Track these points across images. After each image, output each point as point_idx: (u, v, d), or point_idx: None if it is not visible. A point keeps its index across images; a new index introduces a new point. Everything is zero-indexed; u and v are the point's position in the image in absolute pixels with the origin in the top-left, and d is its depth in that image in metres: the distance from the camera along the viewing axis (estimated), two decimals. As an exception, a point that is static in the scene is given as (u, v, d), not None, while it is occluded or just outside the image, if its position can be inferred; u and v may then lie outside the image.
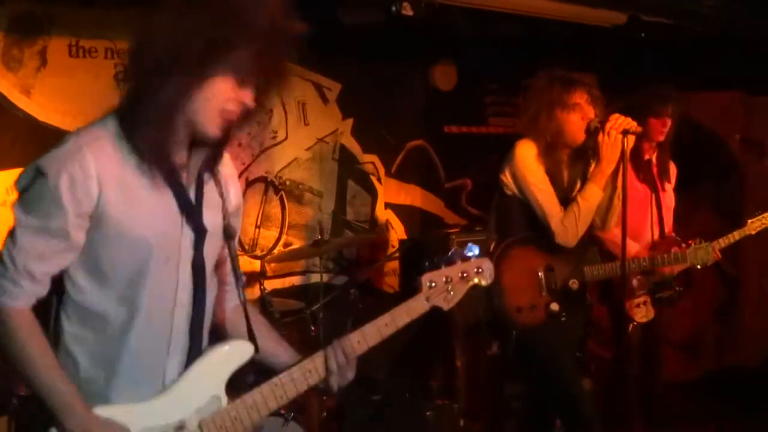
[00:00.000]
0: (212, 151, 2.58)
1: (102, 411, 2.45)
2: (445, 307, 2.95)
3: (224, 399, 2.60)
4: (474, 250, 2.95)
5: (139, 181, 2.42)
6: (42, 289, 2.44)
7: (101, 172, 2.37)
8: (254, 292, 6.34)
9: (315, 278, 6.57)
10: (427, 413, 5.84)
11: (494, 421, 6.38)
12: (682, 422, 6.37)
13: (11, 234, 2.42)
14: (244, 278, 2.86)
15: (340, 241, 6.62)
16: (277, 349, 2.84)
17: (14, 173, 5.74)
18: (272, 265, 6.71)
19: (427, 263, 2.91)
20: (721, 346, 7.74)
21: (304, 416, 5.63)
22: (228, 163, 2.76)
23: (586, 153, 4.66)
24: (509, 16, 5.82)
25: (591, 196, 4.50)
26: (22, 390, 4.44)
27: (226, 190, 2.68)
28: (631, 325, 5.38)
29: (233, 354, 2.66)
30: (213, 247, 2.63)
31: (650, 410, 5.68)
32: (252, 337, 2.70)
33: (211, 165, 2.61)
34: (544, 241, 4.61)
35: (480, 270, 2.94)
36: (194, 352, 2.61)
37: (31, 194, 2.40)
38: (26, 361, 2.41)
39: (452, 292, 2.93)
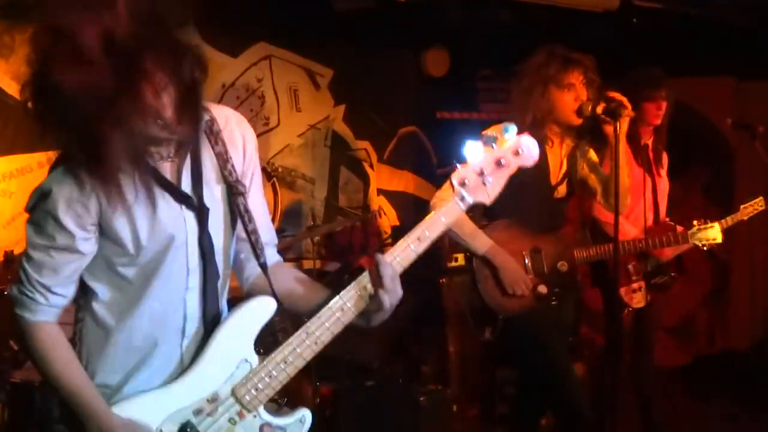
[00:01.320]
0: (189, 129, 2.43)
1: (121, 410, 2.47)
2: (487, 201, 2.59)
3: (255, 360, 2.56)
4: (510, 130, 2.56)
5: (132, 188, 2.39)
6: (62, 300, 2.47)
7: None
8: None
9: (308, 264, 6.57)
10: (420, 399, 5.85)
11: (487, 406, 6.40)
12: (673, 407, 6.40)
13: (26, 250, 2.45)
14: (272, 235, 2.79)
15: (331, 226, 6.62)
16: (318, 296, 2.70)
17: (7, 160, 5.73)
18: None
19: (454, 162, 2.55)
20: (712, 331, 7.77)
21: (298, 403, 5.64)
22: (224, 117, 2.64)
23: (577, 135, 4.65)
24: (501, 2, 5.82)
25: (473, 242, 4.47)
26: (14, 378, 4.45)
27: (228, 147, 2.60)
28: (626, 311, 5.39)
29: (254, 313, 2.59)
30: (220, 222, 2.58)
31: (641, 395, 5.70)
32: (273, 294, 2.62)
33: (196, 141, 2.51)
34: (530, 222, 4.56)
35: (520, 150, 2.55)
36: (206, 330, 2.59)
37: (37, 215, 2.41)
38: (50, 372, 2.46)
39: (491, 183, 2.56)
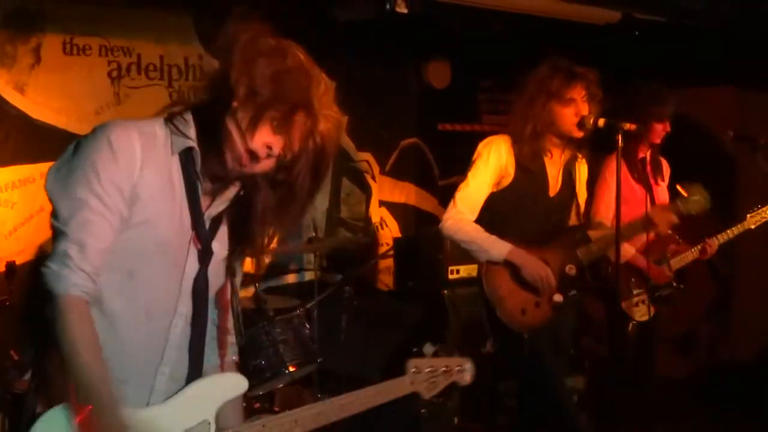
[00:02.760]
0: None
1: None
2: (426, 395, 3.17)
3: (213, 427, 2.58)
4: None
5: (168, 182, 2.43)
6: (96, 276, 2.35)
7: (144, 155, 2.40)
8: (248, 290, 6.34)
9: (309, 276, 6.57)
10: (421, 411, 5.84)
11: (488, 418, 6.38)
12: (675, 419, 6.39)
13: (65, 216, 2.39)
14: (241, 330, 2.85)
15: (333, 242, 6.62)
16: None
17: (8, 170, 5.74)
18: (266, 262, 6.70)
19: (414, 350, 3.13)
20: (714, 342, 7.76)
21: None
22: None
23: (577, 146, 4.67)
24: (503, 14, 5.83)
25: (491, 251, 4.50)
26: (17, 387, 4.44)
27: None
28: (630, 325, 5.38)
29: (229, 385, 2.67)
30: (216, 274, 2.61)
31: (643, 407, 5.69)
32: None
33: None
34: (530, 232, 4.57)
35: (461, 369, 3.18)
36: (191, 371, 2.60)
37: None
38: (80, 358, 2.31)
39: (435, 383, 3.15)
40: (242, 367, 4.27)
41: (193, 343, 2.59)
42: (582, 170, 4.83)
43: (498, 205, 4.57)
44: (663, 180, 5.50)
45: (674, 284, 5.40)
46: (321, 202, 7.23)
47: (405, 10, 5.33)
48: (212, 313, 2.69)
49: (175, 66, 6.27)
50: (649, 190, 5.34)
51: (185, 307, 2.54)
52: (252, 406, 4.85)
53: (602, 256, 4.78)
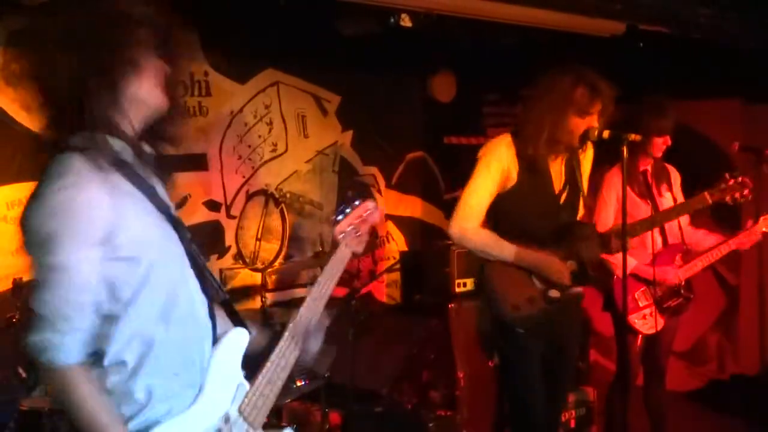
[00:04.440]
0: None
1: None
2: (359, 250, 3.21)
3: (246, 384, 2.70)
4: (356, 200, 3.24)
5: (131, 195, 2.44)
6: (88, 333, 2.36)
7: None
8: (256, 304, 6.35)
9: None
10: (429, 424, 5.84)
11: (496, 431, 6.37)
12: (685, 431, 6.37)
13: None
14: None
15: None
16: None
17: (14, 188, 5.76)
18: (273, 277, 6.70)
19: (334, 217, 3.19)
20: (722, 355, 7.73)
21: (308, 429, 5.64)
22: None
23: (576, 154, 4.68)
24: (507, 27, 5.83)
25: (499, 252, 4.53)
26: (23, 405, 4.45)
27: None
28: (638, 338, 5.37)
29: (236, 342, 2.73)
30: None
31: (654, 420, 5.67)
32: (242, 323, 2.80)
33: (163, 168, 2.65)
34: (530, 234, 4.54)
35: (371, 211, 3.21)
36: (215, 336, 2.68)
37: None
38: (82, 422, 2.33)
39: (360, 236, 3.19)
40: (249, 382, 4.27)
41: (210, 311, 2.66)
42: (586, 159, 4.79)
43: (504, 206, 4.56)
44: (669, 189, 5.47)
45: (683, 293, 5.39)
46: (327, 217, 7.24)
47: (409, 24, 5.34)
48: None
49: (181, 82, 6.28)
50: (653, 202, 5.34)
51: (198, 290, 2.62)
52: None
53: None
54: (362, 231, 3.19)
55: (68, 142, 2.42)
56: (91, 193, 2.31)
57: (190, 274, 2.59)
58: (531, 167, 4.52)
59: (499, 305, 4.54)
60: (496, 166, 4.52)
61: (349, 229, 3.16)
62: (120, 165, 2.41)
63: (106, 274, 2.34)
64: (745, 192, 5.00)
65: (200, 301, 2.60)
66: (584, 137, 4.45)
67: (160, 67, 2.55)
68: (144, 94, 2.50)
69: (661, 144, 5.25)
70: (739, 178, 4.97)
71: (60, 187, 2.32)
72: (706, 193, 5.01)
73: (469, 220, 4.51)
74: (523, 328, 4.51)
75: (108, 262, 2.34)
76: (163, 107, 2.57)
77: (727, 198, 5.00)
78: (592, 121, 4.42)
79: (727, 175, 5.01)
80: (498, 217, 4.59)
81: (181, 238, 2.59)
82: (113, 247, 2.34)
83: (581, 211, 4.78)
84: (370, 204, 3.23)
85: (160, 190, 2.58)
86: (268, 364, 2.78)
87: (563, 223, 4.65)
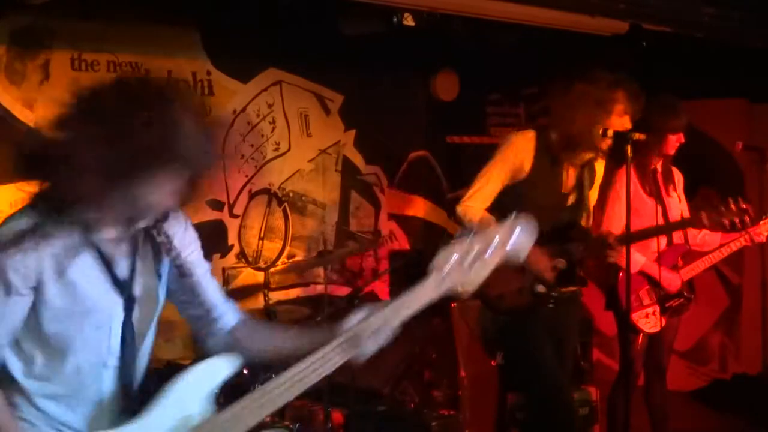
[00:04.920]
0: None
1: None
2: (461, 289, 2.56)
3: (203, 415, 2.60)
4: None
5: (75, 262, 2.49)
6: None
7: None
8: (259, 303, 6.34)
9: (319, 289, 6.57)
10: (432, 424, 5.84)
11: (499, 431, 6.36)
12: (687, 431, 6.37)
13: None
14: (227, 302, 2.87)
15: (342, 252, 6.61)
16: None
17: (17, 186, 5.75)
18: (276, 276, 6.70)
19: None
20: (724, 354, 7.73)
21: (310, 428, 5.63)
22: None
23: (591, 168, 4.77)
24: (510, 26, 5.82)
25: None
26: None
27: (170, 239, 2.67)
28: (640, 336, 5.37)
29: (206, 374, 2.64)
30: (147, 310, 2.68)
31: (655, 419, 5.67)
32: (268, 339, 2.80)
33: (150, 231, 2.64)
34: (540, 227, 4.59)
35: (500, 239, 2.54)
36: (125, 407, 2.64)
37: None
38: None
39: (471, 273, 2.54)
40: (252, 381, 4.27)
41: (124, 384, 2.66)
42: (599, 170, 4.88)
43: (511, 197, 4.63)
44: (675, 190, 5.47)
45: (685, 294, 5.39)
46: (330, 216, 7.24)
47: (412, 23, 5.34)
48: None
49: (183, 81, 6.28)
50: (660, 201, 5.34)
51: (114, 358, 2.63)
52: (263, 419, 4.83)
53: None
54: (477, 268, 2.54)
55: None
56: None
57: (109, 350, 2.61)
58: (546, 165, 4.63)
59: (486, 291, 4.57)
60: (510, 157, 4.65)
61: (455, 263, 2.54)
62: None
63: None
64: (746, 219, 4.99)
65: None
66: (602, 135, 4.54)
67: (178, 177, 2.45)
68: (154, 201, 2.47)
69: (674, 142, 5.25)
70: (742, 204, 4.97)
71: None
72: (703, 215, 4.99)
73: (474, 200, 4.64)
74: (509, 315, 4.69)
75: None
76: (171, 210, 2.59)
77: (726, 221, 4.99)
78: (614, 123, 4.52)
79: (730, 200, 4.98)
80: (505, 208, 4.54)
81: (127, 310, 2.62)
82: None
83: (583, 220, 4.84)
84: (504, 229, 2.60)
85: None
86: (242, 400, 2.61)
87: (561, 222, 4.71)
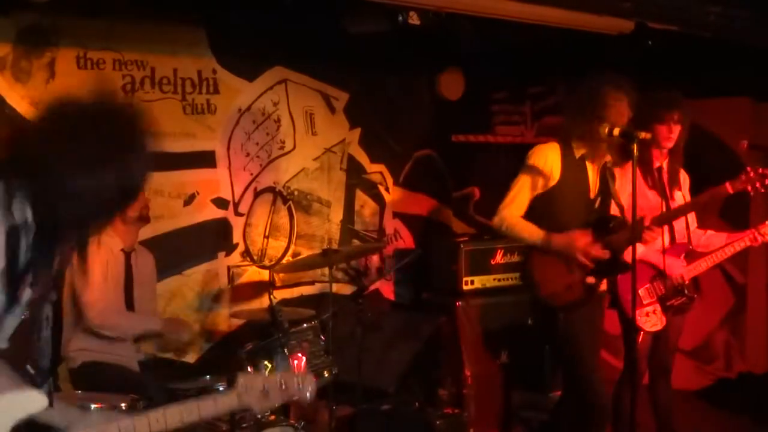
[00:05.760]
0: None
1: None
2: (257, 410, 2.95)
3: None
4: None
5: None
6: None
7: None
8: (263, 302, 6.35)
9: (324, 288, 6.57)
10: (437, 422, 5.85)
11: (503, 429, 6.37)
12: (691, 430, 6.36)
13: None
14: None
15: (348, 251, 6.61)
16: None
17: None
18: (281, 275, 6.71)
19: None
20: (729, 353, 7.72)
21: (314, 427, 5.64)
22: None
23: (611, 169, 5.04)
24: (516, 25, 5.82)
25: (530, 236, 4.94)
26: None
27: None
28: (641, 334, 5.36)
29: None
30: None
31: (660, 418, 5.67)
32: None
33: None
34: (571, 226, 4.90)
35: (301, 386, 2.94)
36: None
37: None
38: None
39: (269, 398, 2.90)
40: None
41: None
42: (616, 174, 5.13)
43: (545, 205, 4.96)
44: (680, 189, 5.47)
45: (686, 292, 5.39)
46: (335, 214, 7.24)
47: (418, 22, 5.34)
48: None
49: (189, 79, 6.29)
50: (664, 198, 5.34)
51: None
52: (268, 417, 4.85)
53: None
54: (274, 397, 2.92)
55: None
56: None
57: None
58: (573, 171, 4.93)
59: (539, 292, 4.97)
60: (540, 165, 4.95)
61: (259, 387, 2.89)
62: None
63: None
64: (767, 182, 5.09)
65: None
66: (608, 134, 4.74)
67: None
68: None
69: (666, 132, 5.24)
70: (759, 170, 5.13)
71: None
72: (727, 184, 5.16)
73: (510, 209, 4.95)
74: (562, 312, 4.92)
75: None
76: None
77: (749, 188, 5.15)
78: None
79: (749, 168, 5.17)
80: (539, 214, 4.97)
81: None
82: None
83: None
84: (307, 380, 2.99)
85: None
86: None
87: (598, 217, 5.01)
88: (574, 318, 4.92)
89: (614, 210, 5.07)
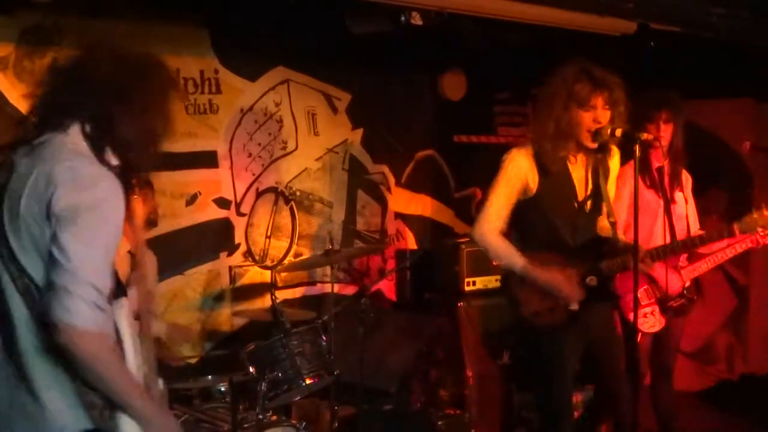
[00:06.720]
0: None
1: None
2: None
3: None
4: None
5: None
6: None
7: None
8: (265, 302, 6.35)
9: (326, 288, 6.57)
10: (438, 423, 5.84)
11: (505, 430, 6.37)
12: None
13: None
14: None
15: (350, 252, 6.61)
16: None
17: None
18: (283, 275, 6.71)
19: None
20: (731, 355, 7.72)
21: (316, 427, 5.64)
22: None
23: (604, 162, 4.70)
24: (518, 25, 5.82)
25: (508, 261, 4.59)
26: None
27: None
28: (639, 336, 5.36)
29: None
30: None
31: (662, 419, 5.66)
32: None
33: None
34: (554, 243, 4.60)
35: None
36: None
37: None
38: (123, 384, 2.66)
39: None
40: (259, 380, 4.29)
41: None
42: (613, 165, 4.79)
43: (525, 213, 4.62)
44: (682, 190, 5.46)
45: (686, 294, 5.38)
46: (337, 215, 7.24)
47: (420, 23, 5.34)
48: None
49: (191, 79, 6.29)
50: (664, 197, 5.32)
51: None
52: (269, 417, 4.85)
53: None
54: None
55: None
56: None
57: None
58: (549, 173, 4.54)
59: (521, 310, 4.63)
60: (514, 174, 4.58)
61: None
62: None
63: None
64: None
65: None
66: (596, 135, 4.44)
67: None
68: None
69: (654, 131, 5.15)
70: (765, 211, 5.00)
71: None
72: (735, 226, 5.04)
73: (488, 223, 4.58)
74: (544, 333, 4.60)
75: None
76: None
77: (759, 229, 5.10)
78: (601, 116, 4.41)
79: (763, 205, 5.03)
80: (523, 227, 4.68)
81: None
82: None
83: (606, 220, 4.78)
84: None
85: None
86: None
87: (587, 238, 4.68)
88: (555, 340, 4.61)
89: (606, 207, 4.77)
